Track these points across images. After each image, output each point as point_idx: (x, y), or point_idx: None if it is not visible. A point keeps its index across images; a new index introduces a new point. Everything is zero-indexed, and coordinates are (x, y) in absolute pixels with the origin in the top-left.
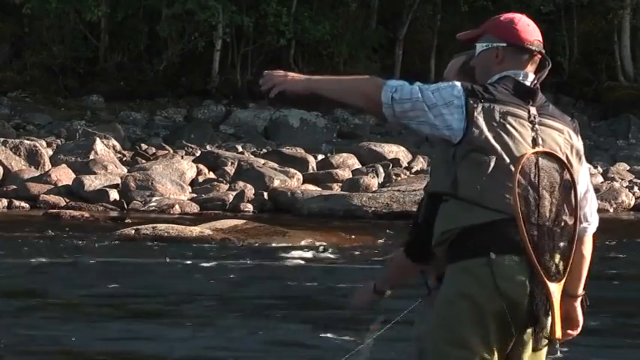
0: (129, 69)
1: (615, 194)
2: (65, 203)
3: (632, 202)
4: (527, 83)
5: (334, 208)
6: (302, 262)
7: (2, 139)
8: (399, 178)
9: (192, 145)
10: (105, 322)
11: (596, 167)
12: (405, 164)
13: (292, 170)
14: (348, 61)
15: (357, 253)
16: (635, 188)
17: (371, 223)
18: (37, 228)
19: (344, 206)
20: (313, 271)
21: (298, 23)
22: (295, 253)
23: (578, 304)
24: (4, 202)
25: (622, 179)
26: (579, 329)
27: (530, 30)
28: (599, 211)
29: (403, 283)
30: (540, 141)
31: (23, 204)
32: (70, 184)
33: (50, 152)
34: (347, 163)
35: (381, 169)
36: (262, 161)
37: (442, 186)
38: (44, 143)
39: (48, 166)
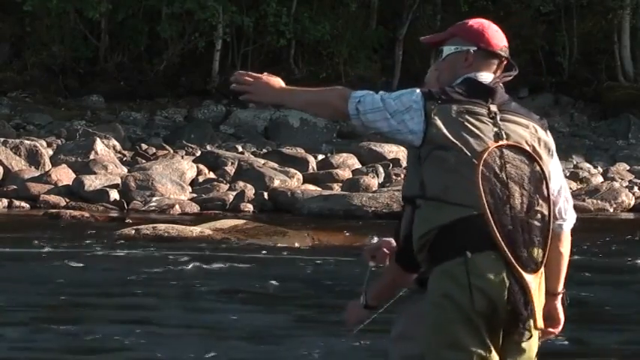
0: (129, 69)
1: (615, 194)
2: (65, 203)
3: (632, 202)
4: (487, 82)
5: (334, 208)
6: (301, 262)
7: (2, 139)
8: (399, 178)
9: (193, 145)
10: (104, 323)
11: (596, 167)
12: (405, 164)
13: (292, 170)
14: (348, 61)
15: (357, 253)
16: (635, 188)
17: (371, 223)
18: (37, 228)
19: (344, 206)
20: (312, 271)
21: (298, 23)
22: (295, 253)
23: (558, 301)
24: (5, 202)
25: (622, 179)
26: (561, 327)
27: (499, 36)
28: (599, 211)
29: (394, 296)
30: (504, 135)
31: (23, 204)
32: (70, 184)
33: (50, 152)
34: (347, 163)
35: (381, 169)
36: (262, 161)
37: (412, 190)
38: (44, 143)
39: (48, 166)
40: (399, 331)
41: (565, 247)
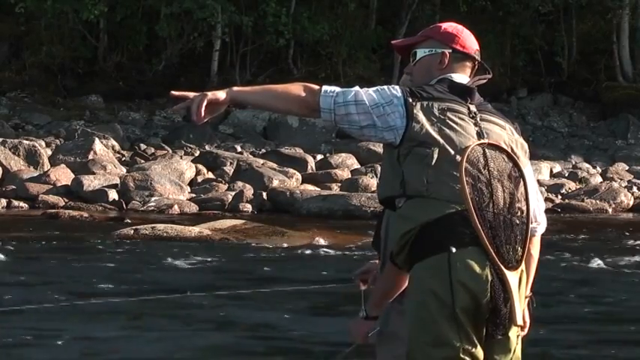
0: (128, 69)
1: (614, 194)
2: (64, 203)
3: (631, 203)
4: (464, 83)
5: (333, 208)
6: (301, 262)
7: (1, 139)
8: None
9: (191, 145)
10: (103, 323)
11: (595, 167)
12: None
13: (291, 170)
14: (347, 62)
15: (356, 253)
16: (634, 188)
17: (370, 223)
18: (35, 228)
19: (343, 206)
20: (311, 271)
21: (297, 23)
22: (294, 253)
23: (525, 305)
24: (3, 202)
25: (621, 179)
26: (527, 329)
27: (473, 40)
28: (598, 211)
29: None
30: (485, 134)
31: (22, 204)
32: (69, 184)
33: (49, 152)
34: (346, 163)
35: (379, 169)
36: (261, 161)
37: (391, 190)
38: (43, 143)
39: (47, 166)
40: (388, 329)
41: (536, 250)
